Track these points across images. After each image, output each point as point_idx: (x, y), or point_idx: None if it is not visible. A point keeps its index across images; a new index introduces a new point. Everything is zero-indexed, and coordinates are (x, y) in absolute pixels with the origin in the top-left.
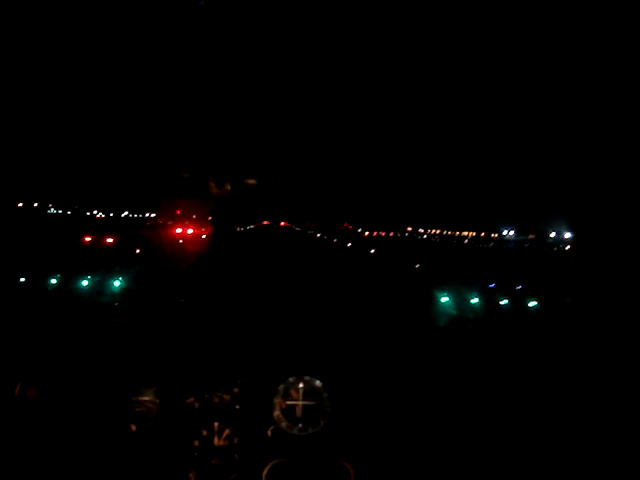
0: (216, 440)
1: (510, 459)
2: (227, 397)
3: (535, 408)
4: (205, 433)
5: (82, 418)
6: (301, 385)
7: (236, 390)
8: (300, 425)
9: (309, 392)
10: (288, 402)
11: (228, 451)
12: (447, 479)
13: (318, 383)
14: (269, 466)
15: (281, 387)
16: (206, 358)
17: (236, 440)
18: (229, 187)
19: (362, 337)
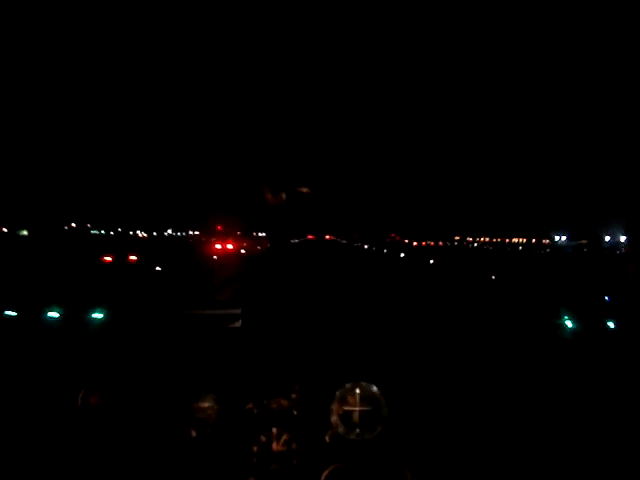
0: (275, 445)
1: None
2: (285, 403)
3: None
4: (264, 439)
5: (143, 425)
6: (358, 391)
7: (294, 396)
8: (357, 430)
9: (366, 398)
10: (345, 408)
11: (286, 456)
12: None
13: (375, 389)
14: (327, 471)
15: (338, 393)
16: (264, 364)
17: (294, 445)
18: (284, 196)
19: (423, 342)
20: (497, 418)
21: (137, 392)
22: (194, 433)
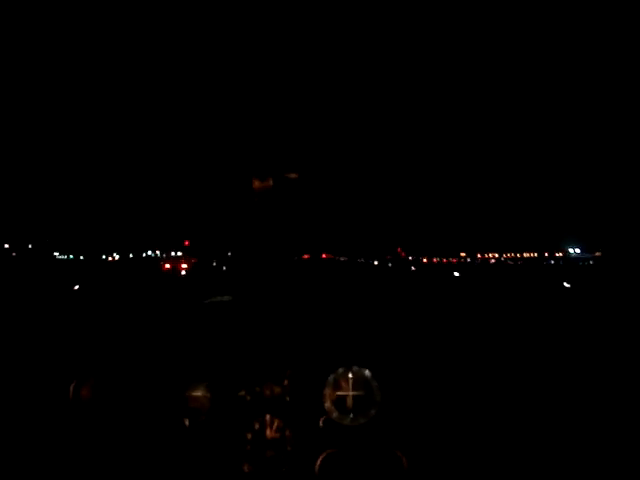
0: (268, 432)
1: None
2: (277, 389)
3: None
4: (257, 426)
5: (136, 416)
6: (350, 375)
7: (286, 382)
8: (351, 415)
9: (359, 382)
10: (338, 393)
11: (280, 443)
12: (500, 465)
13: (367, 373)
14: (322, 457)
15: (331, 378)
16: (256, 351)
17: (288, 432)
18: (271, 182)
19: (412, 329)
20: (488, 403)
21: (129, 383)
22: (187, 422)
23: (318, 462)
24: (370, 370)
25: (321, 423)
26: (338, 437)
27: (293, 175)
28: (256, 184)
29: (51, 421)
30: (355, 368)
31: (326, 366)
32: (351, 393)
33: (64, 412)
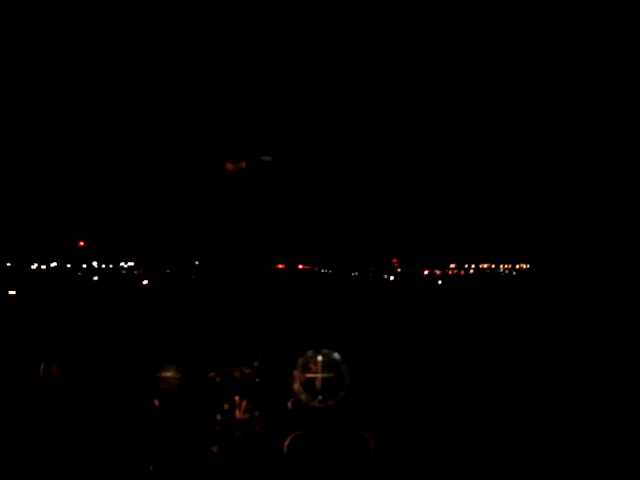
0: (237, 413)
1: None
2: (247, 371)
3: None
4: (227, 407)
5: (106, 396)
6: (320, 358)
7: (256, 364)
8: (320, 397)
9: (328, 365)
10: (308, 375)
11: (249, 424)
12: (465, 449)
13: (336, 356)
14: (290, 438)
15: (300, 360)
16: (227, 333)
17: (257, 413)
18: (244, 164)
19: (381, 313)
20: (451, 388)
21: (100, 363)
22: (157, 403)
23: (286, 443)
24: (340, 353)
25: (290, 405)
26: (307, 419)
27: (267, 158)
28: (228, 166)
29: (22, 399)
30: (325, 351)
31: (296, 349)
32: (320, 375)
33: (35, 390)
